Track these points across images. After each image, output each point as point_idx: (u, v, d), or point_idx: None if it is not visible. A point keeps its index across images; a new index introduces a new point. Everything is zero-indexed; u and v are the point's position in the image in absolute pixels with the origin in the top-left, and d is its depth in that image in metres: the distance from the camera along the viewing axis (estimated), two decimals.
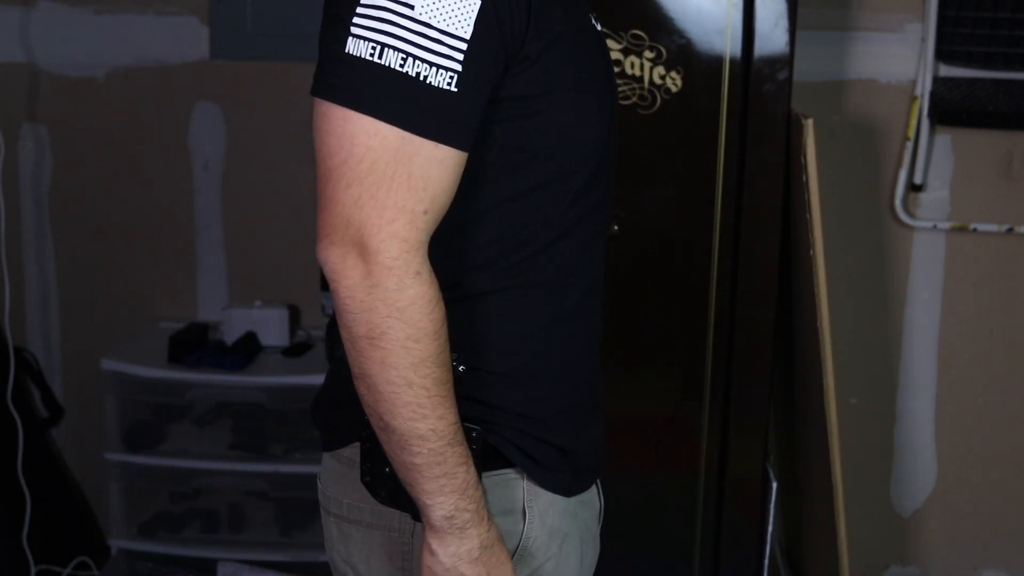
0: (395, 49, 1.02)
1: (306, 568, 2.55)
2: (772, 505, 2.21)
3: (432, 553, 1.10)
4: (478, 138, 1.08)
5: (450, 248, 1.13)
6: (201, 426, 2.64)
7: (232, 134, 2.74)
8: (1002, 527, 2.74)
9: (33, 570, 2.59)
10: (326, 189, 1.04)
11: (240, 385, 2.55)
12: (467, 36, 1.03)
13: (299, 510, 2.60)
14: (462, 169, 1.07)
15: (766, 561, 2.22)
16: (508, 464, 1.18)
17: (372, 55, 1.02)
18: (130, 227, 2.79)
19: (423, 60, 1.02)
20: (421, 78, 1.02)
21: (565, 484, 1.22)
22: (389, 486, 1.14)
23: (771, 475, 2.23)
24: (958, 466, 2.71)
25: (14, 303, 2.66)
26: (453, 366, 1.11)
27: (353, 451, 1.19)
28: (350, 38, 1.03)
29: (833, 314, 1.94)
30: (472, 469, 1.09)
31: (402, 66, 1.02)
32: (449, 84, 1.03)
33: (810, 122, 1.90)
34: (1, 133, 2.57)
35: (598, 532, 1.33)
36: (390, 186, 1.02)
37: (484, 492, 1.11)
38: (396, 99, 1.02)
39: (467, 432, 1.12)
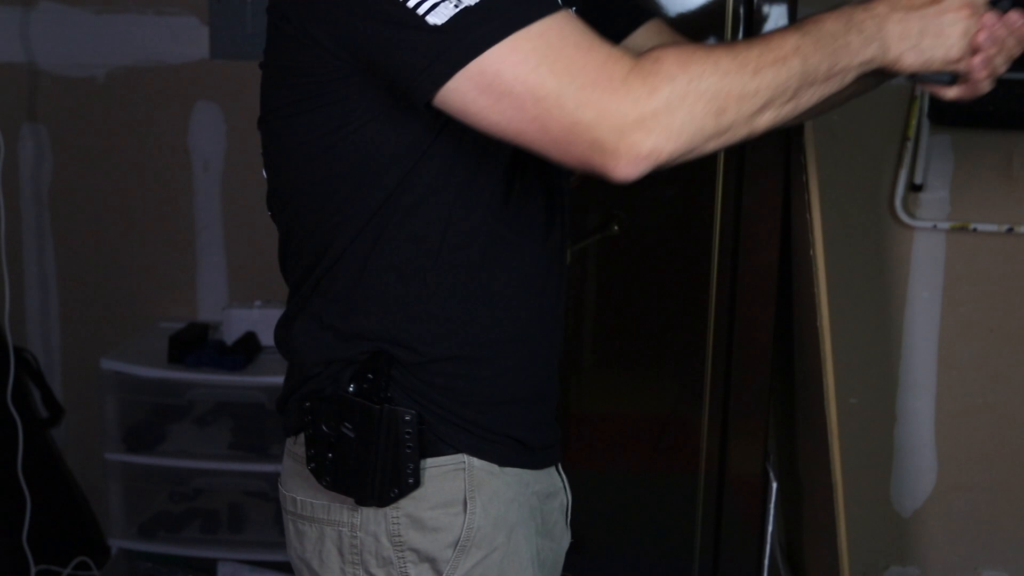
0: None
1: None
2: (772, 505, 2.21)
3: (906, 67, 1.13)
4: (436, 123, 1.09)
5: (401, 226, 1.14)
6: (201, 426, 2.64)
7: (232, 134, 2.74)
8: (1002, 527, 2.74)
9: (33, 570, 2.59)
10: (557, 117, 0.99)
11: (240, 385, 2.55)
12: None
13: None
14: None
15: (766, 561, 2.22)
16: (448, 450, 1.18)
17: (456, 8, 1.00)
18: (130, 227, 2.79)
19: None
20: None
21: (513, 459, 1.22)
22: (332, 471, 1.16)
23: (771, 475, 2.23)
24: (958, 466, 2.71)
25: (14, 303, 2.66)
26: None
27: (303, 449, 1.21)
28: (427, 16, 1.00)
29: (833, 314, 1.94)
30: (821, 17, 1.09)
31: None
32: None
33: (810, 122, 1.90)
34: (1, 133, 2.57)
35: (564, 524, 1.33)
36: (578, 55, 1.00)
37: (853, 11, 1.10)
38: (506, 9, 1.00)
39: (400, 415, 1.13)
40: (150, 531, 2.64)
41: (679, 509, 2.20)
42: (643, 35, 1.40)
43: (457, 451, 1.19)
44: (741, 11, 2.00)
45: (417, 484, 1.16)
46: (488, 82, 1.00)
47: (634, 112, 0.98)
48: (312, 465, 1.19)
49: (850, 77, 1.10)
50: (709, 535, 2.19)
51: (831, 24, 1.08)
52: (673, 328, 2.14)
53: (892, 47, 1.11)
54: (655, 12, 1.44)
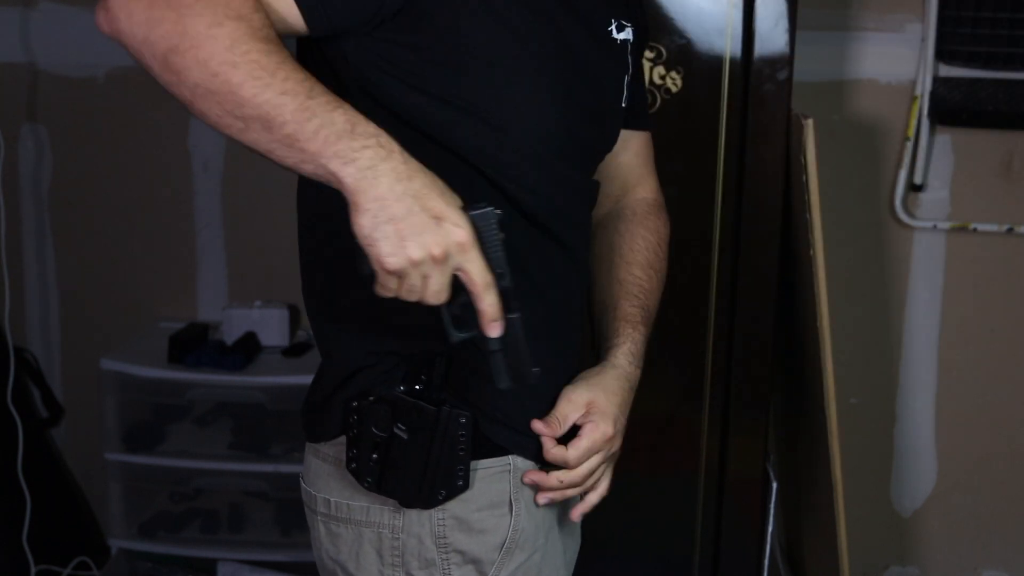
0: None
1: (306, 568, 2.54)
2: (772, 505, 2.21)
3: (355, 218, 0.98)
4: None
5: None
6: (201, 426, 2.64)
7: None
8: (1002, 527, 2.74)
9: (33, 570, 2.59)
10: None
11: (240, 385, 2.55)
12: None
13: (299, 510, 2.55)
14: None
15: (766, 561, 2.22)
16: (497, 452, 1.18)
17: None
18: (130, 227, 2.79)
19: None
20: None
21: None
22: (376, 472, 1.14)
23: (771, 475, 2.23)
24: (958, 466, 2.71)
25: (14, 303, 2.66)
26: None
27: (337, 449, 1.19)
28: None
29: (833, 314, 1.94)
30: (349, 111, 1.00)
31: None
32: None
33: (810, 122, 1.90)
34: (1, 133, 2.57)
35: (577, 525, 1.34)
36: None
37: (376, 136, 1.00)
38: None
39: (457, 417, 1.13)
40: (150, 531, 2.64)
41: (679, 509, 2.20)
42: (631, 140, 1.39)
43: (506, 452, 1.19)
44: (741, 11, 2.00)
45: (467, 487, 1.15)
46: None
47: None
48: (353, 466, 1.16)
49: (306, 168, 1.00)
50: (709, 535, 2.19)
51: (339, 114, 0.99)
52: (673, 328, 2.14)
53: (364, 192, 0.97)
54: (648, 128, 1.43)
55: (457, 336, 1.05)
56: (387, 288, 1.01)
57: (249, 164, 2.74)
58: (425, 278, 1.00)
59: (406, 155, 1.00)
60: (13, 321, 2.66)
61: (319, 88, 1.00)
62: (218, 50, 0.97)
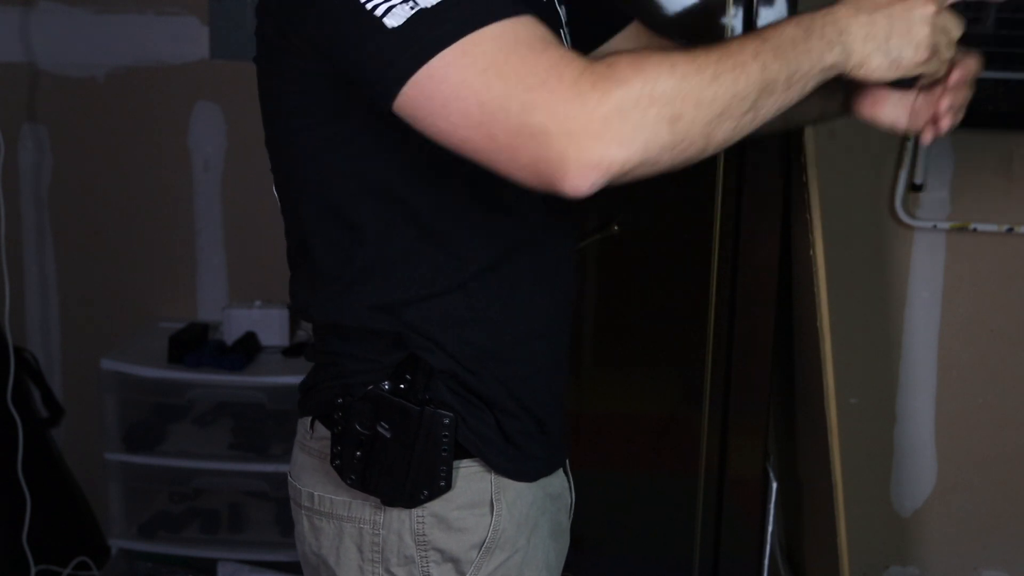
0: None
1: None
2: (772, 505, 2.21)
3: (871, 72, 1.07)
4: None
5: (446, 243, 1.14)
6: (201, 426, 2.64)
7: (232, 134, 2.74)
8: (1002, 527, 2.74)
9: (33, 570, 2.59)
10: (502, 120, 0.95)
11: (240, 385, 2.55)
12: None
13: None
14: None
15: (766, 561, 2.22)
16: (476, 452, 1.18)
17: (412, 9, 0.97)
18: (130, 227, 2.79)
19: None
20: None
21: (536, 468, 1.22)
22: (359, 470, 1.15)
23: (771, 475, 2.23)
24: (958, 466, 2.71)
25: (14, 303, 2.66)
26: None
27: (322, 444, 1.19)
28: (384, 18, 0.97)
29: (833, 314, 1.94)
30: (782, 23, 1.05)
31: None
32: None
33: None
34: (1, 133, 2.57)
35: (568, 526, 1.34)
36: (530, 57, 0.95)
37: (815, 16, 1.05)
38: (461, 13, 0.96)
39: (440, 418, 1.13)
40: (150, 531, 2.64)
41: (679, 509, 2.20)
42: (621, 40, 1.39)
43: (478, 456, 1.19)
44: (741, 11, 2.00)
45: (448, 487, 1.15)
46: (435, 87, 0.96)
47: (583, 115, 0.93)
48: (337, 463, 1.16)
49: (812, 84, 1.04)
50: (709, 535, 2.19)
51: (791, 30, 1.03)
52: (673, 328, 2.14)
53: (856, 50, 1.06)
54: (632, 16, 1.42)
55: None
56: (935, 73, 1.13)
57: (249, 164, 2.74)
58: (944, 29, 1.10)
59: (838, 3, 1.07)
60: (13, 321, 2.66)
61: (754, 38, 1.02)
62: (694, 85, 0.96)
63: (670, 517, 2.21)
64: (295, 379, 2.48)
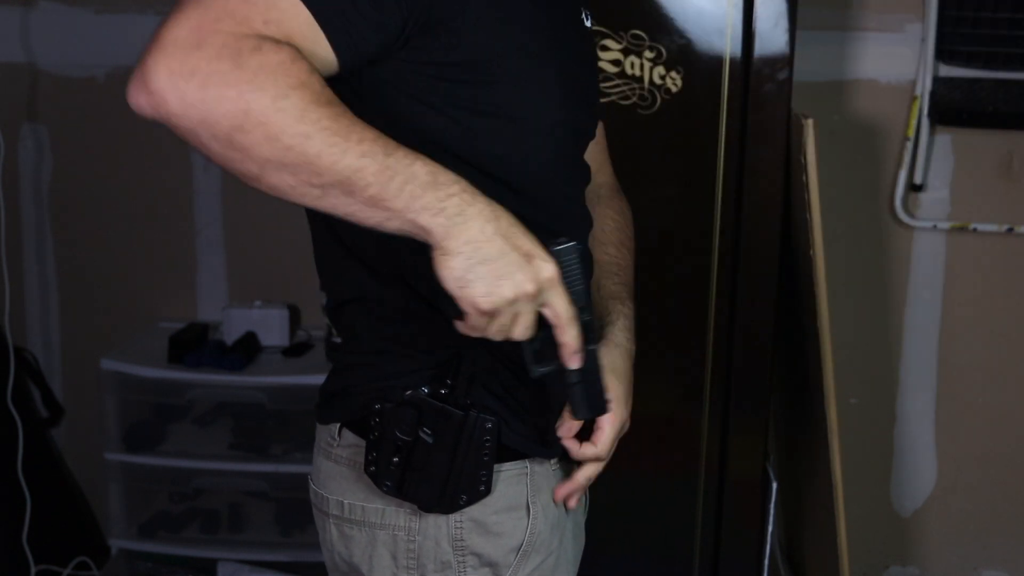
0: None
1: (306, 568, 2.54)
2: (772, 505, 2.21)
3: (445, 263, 0.99)
4: None
5: None
6: (201, 426, 2.64)
7: None
8: (1002, 527, 2.74)
9: (33, 570, 2.59)
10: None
11: (240, 385, 2.55)
12: None
13: (299, 510, 2.59)
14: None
15: (766, 561, 2.22)
16: (515, 456, 1.18)
17: None
18: (130, 227, 2.79)
19: None
20: None
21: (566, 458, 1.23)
22: (396, 476, 1.13)
23: (771, 475, 2.23)
24: (958, 466, 2.71)
25: (14, 303, 2.66)
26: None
27: (352, 451, 1.19)
28: None
29: (833, 314, 1.94)
30: (427, 161, 0.99)
31: None
32: None
33: (810, 122, 1.90)
34: (1, 133, 2.57)
35: (583, 523, 1.34)
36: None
37: (457, 182, 0.99)
38: None
39: (483, 423, 1.12)
40: (150, 531, 2.64)
41: (679, 509, 2.20)
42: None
43: (524, 456, 1.18)
44: (741, 11, 2.00)
45: (488, 492, 1.14)
46: None
47: (184, 46, 0.98)
48: (372, 469, 1.14)
49: (395, 225, 0.98)
50: (709, 535, 2.19)
51: (424, 170, 0.97)
52: (673, 328, 2.14)
53: (455, 241, 0.98)
54: (603, 116, 1.42)
55: (538, 371, 1.08)
56: (477, 328, 1.02)
57: None
58: (516, 316, 1.02)
59: (486, 199, 1.00)
60: (13, 321, 2.66)
61: (391, 143, 0.98)
62: (288, 123, 0.93)
63: (670, 517, 2.21)
64: (295, 379, 2.51)
